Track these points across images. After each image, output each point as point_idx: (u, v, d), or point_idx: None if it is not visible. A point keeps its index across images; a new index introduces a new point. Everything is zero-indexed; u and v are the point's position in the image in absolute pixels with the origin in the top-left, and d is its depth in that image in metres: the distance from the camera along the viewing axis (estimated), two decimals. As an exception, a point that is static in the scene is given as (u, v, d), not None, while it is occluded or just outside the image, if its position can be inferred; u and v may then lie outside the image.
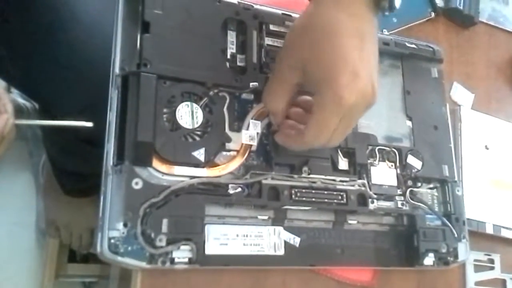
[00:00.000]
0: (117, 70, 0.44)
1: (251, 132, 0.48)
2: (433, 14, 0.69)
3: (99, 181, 0.42)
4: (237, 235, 0.46)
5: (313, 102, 0.41)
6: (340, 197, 0.50)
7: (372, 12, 0.42)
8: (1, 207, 0.97)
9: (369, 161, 0.53)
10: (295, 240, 0.48)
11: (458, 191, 0.57)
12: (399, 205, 0.54)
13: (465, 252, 0.55)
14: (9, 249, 0.95)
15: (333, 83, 0.39)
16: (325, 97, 0.40)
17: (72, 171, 0.76)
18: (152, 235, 0.41)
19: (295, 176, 0.48)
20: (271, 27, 0.52)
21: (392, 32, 0.64)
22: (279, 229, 0.48)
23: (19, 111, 0.95)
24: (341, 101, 0.39)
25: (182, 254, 0.42)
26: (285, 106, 0.45)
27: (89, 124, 0.48)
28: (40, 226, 0.95)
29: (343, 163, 0.52)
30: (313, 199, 0.49)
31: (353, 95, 0.39)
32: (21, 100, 0.96)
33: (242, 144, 0.48)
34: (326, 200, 0.49)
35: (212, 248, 0.44)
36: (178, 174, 0.44)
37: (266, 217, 0.47)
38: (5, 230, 0.96)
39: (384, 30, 0.63)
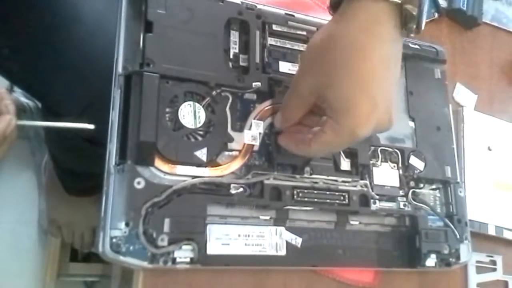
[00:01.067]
0: (120, 70, 0.44)
1: (253, 132, 0.48)
2: (436, 15, 0.69)
3: (101, 181, 0.42)
4: (239, 235, 0.46)
5: (327, 121, 0.40)
6: (342, 198, 0.50)
7: (398, 34, 0.39)
8: (3, 206, 0.97)
9: (371, 162, 0.53)
10: (297, 241, 0.48)
11: (460, 192, 0.57)
12: (401, 206, 0.54)
13: (467, 254, 0.55)
14: (11, 248, 0.95)
15: (350, 115, 0.38)
16: (341, 126, 0.39)
17: (74, 171, 0.76)
18: (154, 234, 0.41)
19: (297, 176, 0.48)
20: (274, 27, 0.52)
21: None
22: (281, 229, 0.48)
23: (22, 110, 0.96)
24: (356, 133, 0.38)
25: (183, 254, 0.42)
26: (299, 118, 0.44)
27: (91, 127, 0.48)
28: (42, 225, 0.95)
29: (345, 164, 0.52)
30: (315, 200, 0.49)
31: (369, 127, 0.38)
32: (23, 100, 0.96)
33: (244, 144, 0.48)
34: (328, 201, 0.49)
35: (213, 248, 0.44)
36: (180, 174, 0.44)
37: (268, 217, 0.47)
38: (7, 229, 0.96)
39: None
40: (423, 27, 0.38)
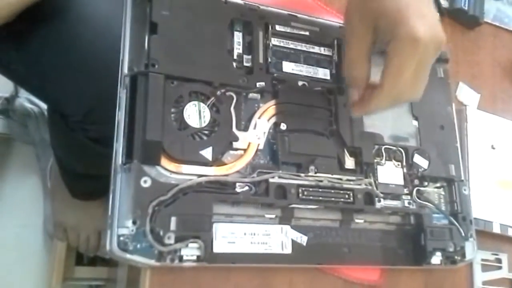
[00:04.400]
0: (125, 70, 0.44)
1: (258, 131, 0.49)
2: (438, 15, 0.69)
3: (106, 183, 0.42)
4: (245, 234, 0.46)
5: (389, 50, 0.42)
6: (347, 196, 0.50)
7: None
8: (9, 210, 0.98)
9: (375, 160, 0.53)
10: (302, 239, 0.48)
11: (464, 190, 0.57)
12: (406, 204, 0.54)
13: (472, 251, 0.55)
14: (17, 252, 0.96)
15: (406, 24, 0.40)
16: (402, 38, 0.41)
17: (80, 173, 0.76)
18: (161, 232, 0.41)
19: (302, 175, 0.49)
20: (277, 28, 0.53)
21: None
22: (286, 227, 0.48)
23: (27, 116, 0.96)
24: (416, 40, 0.40)
25: (190, 252, 0.42)
26: (368, 73, 0.45)
27: None
28: (47, 229, 0.96)
29: (349, 162, 0.52)
30: (320, 198, 0.49)
31: (427, 32, 0.40)
32: (28, 105, 0.97)
33: (249, 143, 0.48)
34: (333, 199, 0.49)
35: (220, 246, 0.44)
36: (186, 173, 0.44)
37: (273, 216, 0.48)
38: (13, 233, 0.96)
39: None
40: None
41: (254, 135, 0.48)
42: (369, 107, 0.45)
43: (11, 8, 0.45)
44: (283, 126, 0.49)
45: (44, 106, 0.93)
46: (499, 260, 0.62)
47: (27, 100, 0.97)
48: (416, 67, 0.42)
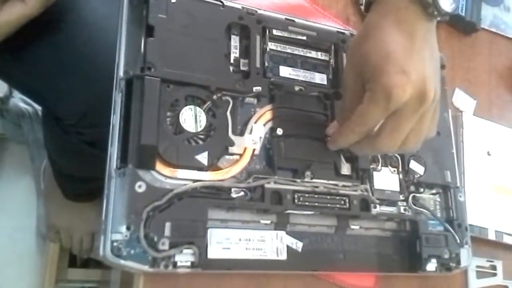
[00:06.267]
0: (121, 74, 0.44)
1: (254, 136, 0.48)
2: (435, 21, 0.69)
3: (100, 185, 0.42)
4: (240, 239, 0.46)
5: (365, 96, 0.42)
6: (342, 202, 0.50)
7: (422, 19, 0.42)
8: (1, 211, 0.97)
9: (371, 166, 0.53)
10: (298, 245, 0.48)
11: (460, 197, 0.57)
12: (402, 211, 0.54)
13: (468, 258, 0.55)
14: (9, 253, 0.95)
15: (380, 78, 0.40)
16: (374, 92, 0.40)
17: (73, 175, 0.76)
18: (155, 238, 0.41)
19: (298, 180, 0.48)
20: (275, 32, 0.52)
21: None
22: (282, 233, 0.48)
23: (21, 116, 0.96)
24: (389, 97, 0.39)
25: (184, 258, 0.42)
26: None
27: None
28: (40, 231, 0.95)
29: (345, 168, 0.52)
30: (316, 204, 0.49)
31: (404, 92, 0.39)
32: (22, 105, 0.96)
33: (245, 148, 0.48)
34: (328, 205, 0.49)
35: (214, 252, 0.44)
36: (181, 178, 0.43)
37: (268, 222, 0.47)
38: (5, 235, 0.96)
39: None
40: (446, 10, 0.42)
41: (250, 140, 0.48)
42: (337, 141, 0.47)
43: (10, 25, 0.45)
44: (279, 131, 0.49)
45: (38, 106, 0.93)
46: (494, 267, 0.62)
47: (21, 100, 0.96)
48: (391, 121, 0.41)
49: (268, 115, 0.49)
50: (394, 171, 0.55)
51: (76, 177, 0.76)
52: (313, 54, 0.54)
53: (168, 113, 0.45)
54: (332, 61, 0.55)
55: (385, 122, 0.42)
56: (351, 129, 0.43)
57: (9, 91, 0.94)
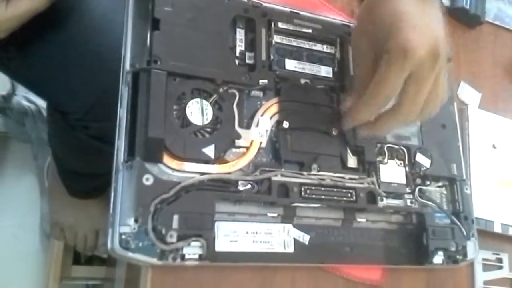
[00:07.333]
0: (127, 67, 0.44)
1: (260, 129, 0.48)
2: (439, 14, 0.69)
3: (104, 182, 0.42)
4: (247, 232, 0.45)
5: (379, 64, 0.42)
6: (349, 195, 0.50)
7: None
8: (5, 209, 0.97)
9: (378, 159, 0.53)
10: (305, 238, 0.48)
11: (466, 189, 0.57)
12: (408, 203, 0.54)
13: (474, 251, 0.55)
14: (14, 251, 0.95)
15: (397, 36, 0.40)
16: (391, 52, 0.40)
17: (78, 172, 0.76)
18: (163, 231, 0.40)
19: (305, 173, 0.48)
20: (280, 25, 0.52)
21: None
22: (289, 226, 0.47)
23: (24, 114, 0.96)
24: (406, 53, 0.39)
25: (192, 250, 0.42)
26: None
27: None
28: (44, 229, 0.95)
29: (352, 161, 0.52)
30: (323, 197, 0.48)
31: (420, 45, 0.40)
32: (25, 103, 0.96)
33: (252, 141, 0.47)
34: (335, 198, 0.49)
35: (222, 244, 0.44)
36: (188, 171, 0.43)
37: (275, 215, 0.47)
38: (9, 233, 0.96)
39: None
40: None
41: (257, 133, 0.48)
42: (355, 117, 0.47)
43: (17, 19, 0.45)
44: (285, 124, 0.49)
45: (41, 104, 0.93)
46: (500, 260, 0.62)
47: (24, 98, 0.97)
48: (410, 81, 0.41)
49: (274, 108, 0.49)
50: (401, 164, 0.54)
51: (81, 174, 0.76)
52: (318, 47, 0.54)
53: (175, 106, 0.45)
54: (337, 54, 0.55)
55: (404, 88, 0.42)
56: (371, 100, 0.43)
57: (12, 89, 0.94)
